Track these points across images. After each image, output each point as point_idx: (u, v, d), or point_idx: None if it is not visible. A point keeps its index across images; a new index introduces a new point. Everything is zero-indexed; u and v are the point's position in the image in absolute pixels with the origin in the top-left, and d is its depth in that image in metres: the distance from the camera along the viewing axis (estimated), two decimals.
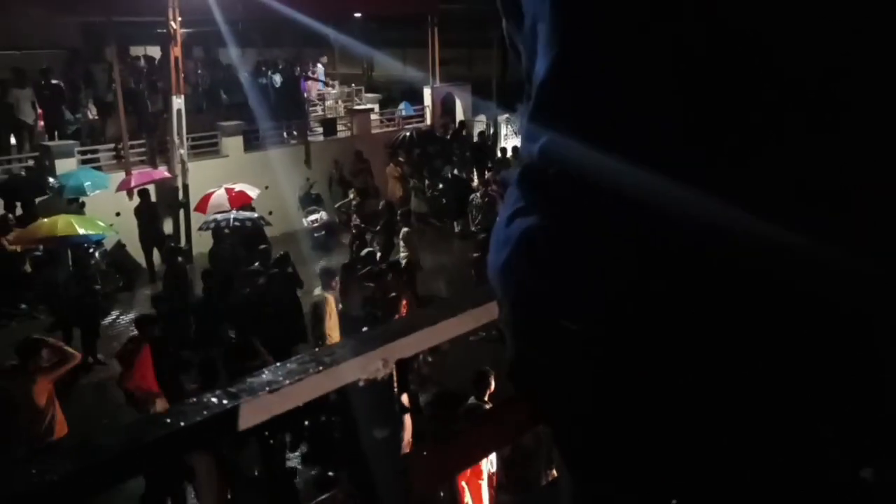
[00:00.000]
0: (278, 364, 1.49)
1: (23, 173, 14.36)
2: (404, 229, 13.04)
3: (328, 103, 20.64)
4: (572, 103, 0.73)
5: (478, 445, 1.87)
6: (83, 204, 13.34)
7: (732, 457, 0.68)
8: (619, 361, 0.71)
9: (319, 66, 22.02)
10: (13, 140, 15.16)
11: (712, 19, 0.64)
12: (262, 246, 11.72)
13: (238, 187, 13.53)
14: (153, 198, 14.42)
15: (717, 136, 0.66)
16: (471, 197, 15.07)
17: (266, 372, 1.46)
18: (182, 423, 1.28)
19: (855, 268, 0.62)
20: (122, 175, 14.79)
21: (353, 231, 13.80)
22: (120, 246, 13.63)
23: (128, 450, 1.23)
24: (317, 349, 1.53)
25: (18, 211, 13.12)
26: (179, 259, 11.54)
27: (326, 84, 21.89)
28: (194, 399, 1.37)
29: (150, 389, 7.78)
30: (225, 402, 1.35)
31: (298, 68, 20.13)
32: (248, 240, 12.29)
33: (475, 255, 12.04)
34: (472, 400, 6.18)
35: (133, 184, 14.33)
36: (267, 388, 1.39)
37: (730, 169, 0.65)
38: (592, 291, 0.72)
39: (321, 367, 1.47)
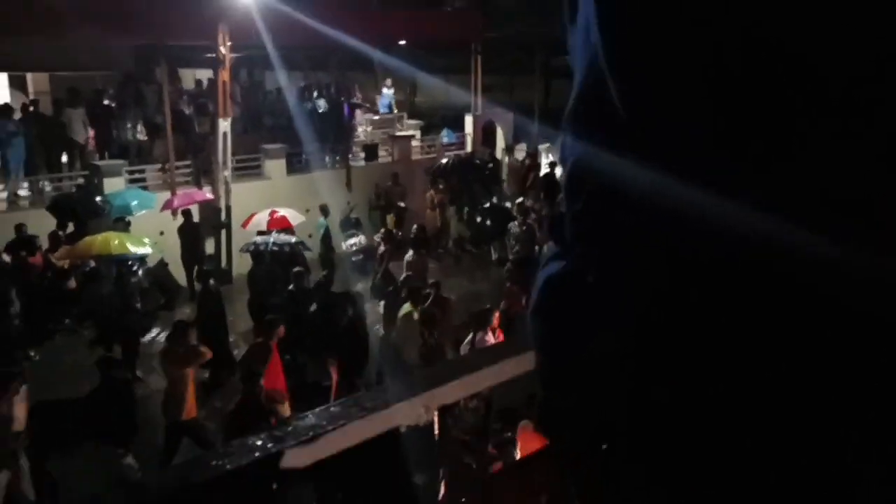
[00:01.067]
0: (321, 408, 1.52)
1: (73, 191, 14.74)
2: (410, 252, 13.11)
3: (369, 129, 20.83)
4: (604, 109, 0.74)
5: (511, 497, 1.88)
6: (129, 223, 13.65)
7: (757, 459, 0.70)
8: (650, 374, 0.73)
9: (385, 89, 22.15)
10: (64, 158, 15.63)
11: (741, 26, 0.66)
12: (297, 269, 11.84)
13: (282, 212, 13.75)
14: (196, 218, 14.71)
15: (742, 142, 0.67)
16: (509, 225, 15.06)
17: (310, 415, 1.49)
18: (228, 466, 1.32)
19: (880, 276, 0.63)
20: (167, 194, 15.12)
21: (378, 257, 13.83)
22: (162, 265, 13.87)
23: (177, 490, 1.27)
24: (360, 393, 1.56)
25: (69, 228, 13.43)
26: (211, 282, 11.62)
27: (391, 109, 21.98)
28: (240, 441, 1.40)
29: (281, 389, 8.09)
30: (270, 445, 1.38)
31: (335, 91, 20.40)
32: (287, 263, 12.43)
33: (507, 284, 12.08)
34: (525, 422, 6.15)
35: (176, 204, 14.65)
36: (311, 433, 1.42)
37: (753, 174, 0.66)
38: (623, 305, 0.73)
39: (364, 413, 1.49)
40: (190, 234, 14.24)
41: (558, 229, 0.82)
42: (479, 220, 17.26)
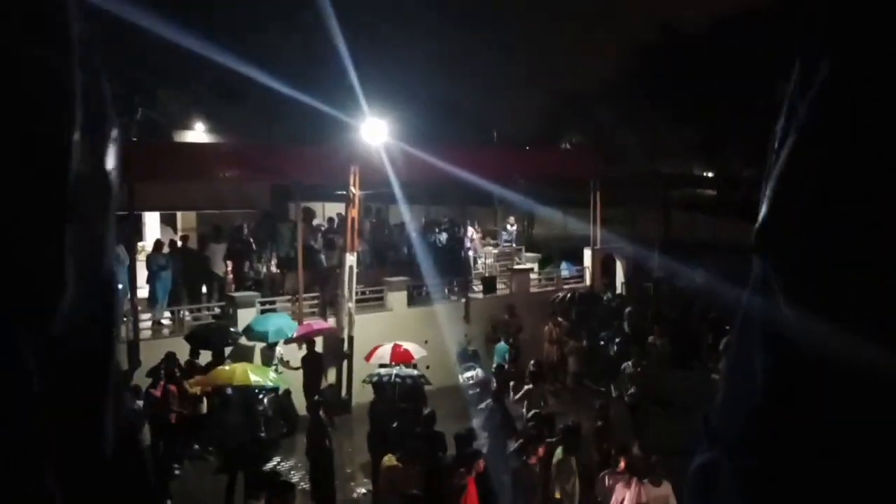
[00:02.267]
0: None
1: (210, 321, 15.69)
2: (528, 387, 12.95)
3: (489, 262, 21.23)
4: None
5: None
6: (274, 345, 14.35)
7: None
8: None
9: (509, 226, 22.74)
10: (204, 289, 16.77)
11: None
12: (403, 405, 11.98)
13: (406, 346, 14.09)
14: (319, 348, 15.24)
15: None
16: (623, 365, 14.53)
17: None
18: None
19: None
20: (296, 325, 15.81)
21: (492, 393, 13.64)
22: (286, 394, 14.33)
23: None
24: None
25: (207, 357, 14.21)
26: (322, 414, 11.74)
27: (512, 243, 22.53)
28: None
29: None
30: None
31: (460, 227, 21.05)
32: (408, 396, 12.60)
33: (598, 423, 11.78)
34: None
35: (300, 334, 15.24)
36: None
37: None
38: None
39: None
40: (313, 364, 14.72)
41: (708, 423, 0.94)
42: (599, 355, 16.95)
